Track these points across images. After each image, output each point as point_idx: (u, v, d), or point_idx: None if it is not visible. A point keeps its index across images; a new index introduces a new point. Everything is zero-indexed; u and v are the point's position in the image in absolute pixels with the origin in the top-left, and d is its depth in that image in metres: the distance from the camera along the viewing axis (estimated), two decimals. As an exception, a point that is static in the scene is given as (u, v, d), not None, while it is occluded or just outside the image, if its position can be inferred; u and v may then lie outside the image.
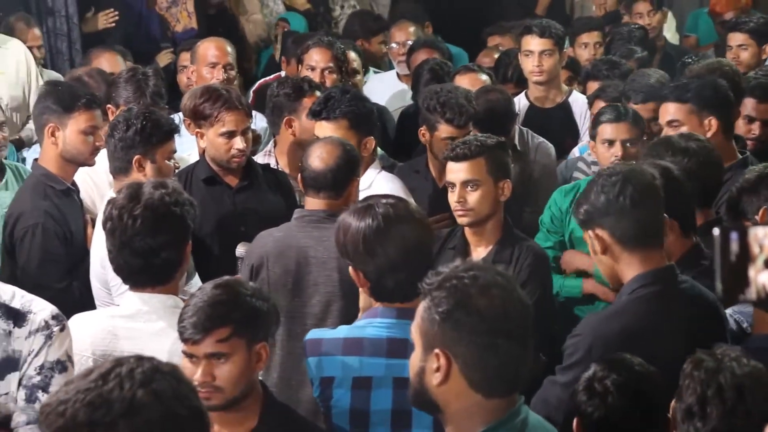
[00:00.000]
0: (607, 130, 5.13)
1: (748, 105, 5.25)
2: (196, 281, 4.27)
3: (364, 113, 4.89)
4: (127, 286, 3.66)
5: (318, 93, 5.30)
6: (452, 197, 4.46)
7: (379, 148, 5.31)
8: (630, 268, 3.39)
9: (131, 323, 3.54)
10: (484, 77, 6.10)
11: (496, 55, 7.28)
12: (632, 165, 3.63)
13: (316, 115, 4.89)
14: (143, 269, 3.54)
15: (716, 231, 3.63)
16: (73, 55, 7.74)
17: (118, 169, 4.57)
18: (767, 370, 2.91)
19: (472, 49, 8.00)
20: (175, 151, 4.67)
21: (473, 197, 4.42)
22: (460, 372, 2.51)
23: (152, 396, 2.04)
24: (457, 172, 4.44)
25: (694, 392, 2.88)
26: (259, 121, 5.93)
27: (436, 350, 2.52)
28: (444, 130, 5.25)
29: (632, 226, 3.37)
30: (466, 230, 4.52)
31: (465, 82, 5.95)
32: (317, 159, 4.25)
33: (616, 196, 3.37)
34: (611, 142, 5.11)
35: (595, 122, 5.23)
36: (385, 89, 7.19)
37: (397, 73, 7.59)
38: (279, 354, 4.13)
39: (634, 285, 3.38)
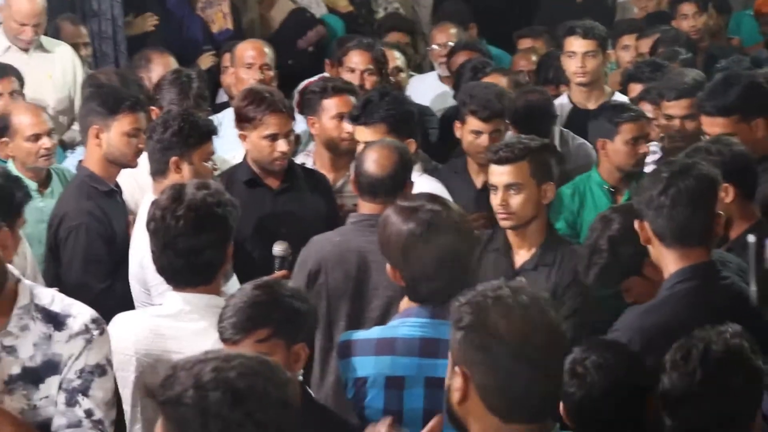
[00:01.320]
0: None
1: None
2: (234, 283, 4.30)
3: (403, 116, 4.89)
4: (166, 287, 3.69)
5: (347, 95, 5.32)
6: (495, 200, 4.42)
7: (420, 151, 5.32)
8: (670, 263, 3.40)
9: (174, 323, 3.57)
10: (507, 79, 6.09)
11: (534, 58, 7.26)
12: (689, 161, 3.61)
13: (354, 119, 4.89)
14: (186, 269, 3.57)
15: (751, 238, 3.64)
16: (118, 57, 7.79)
17: (157, 170, 4.61)
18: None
19: (514, 51, 7.98)
20: (213, 153, 4.70)
21: (516, 200, 4.37)
22: (477, 393, 2.39)
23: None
24: (499, 174, 4.40)
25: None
26: (300, 123, 5.96)
27: (456, 367, 2.42)
28: (470, 122, 5.26)
29: (668, 224, 3.39)
30: (508, 232, 4.48)
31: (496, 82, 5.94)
32: (373, 164, 4.25)
33: (658, 194, 3.39)
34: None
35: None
36: (427, 91, 7.17)
37: (438, 75, 7.59)
38: (335, 358, 4.14)
39: (673, 280, 3.39)
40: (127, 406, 3.62)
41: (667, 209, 3.38)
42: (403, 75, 6.77)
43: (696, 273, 3.39)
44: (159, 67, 6.37)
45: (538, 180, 4.38)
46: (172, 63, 6.49)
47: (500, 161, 4.40)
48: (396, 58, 6.71)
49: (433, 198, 3.63)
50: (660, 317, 3.35)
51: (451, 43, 7.56)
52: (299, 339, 3.23)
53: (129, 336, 3.57)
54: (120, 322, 3.63)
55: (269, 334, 3.18)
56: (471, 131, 5.27)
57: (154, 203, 3.66)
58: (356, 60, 6.24)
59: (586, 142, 5.90)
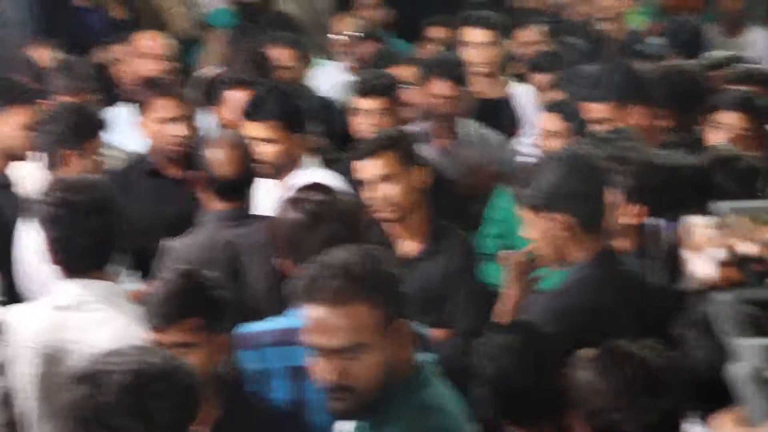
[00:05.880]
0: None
1: None
2: (130, 274, 4.26)
3: (292, 111, 4.86)
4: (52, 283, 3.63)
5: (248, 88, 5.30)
6: (367, 195, 4.40)
7: (323, 140, 5.30)
8: (581, 251, 3.44)
9: (74, 313, 3.52)
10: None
11: (439, 48, 7.26)
12: (576, 149, 3.67)
13: (247, 116, 4.85)
14: (92, 249, 3.54)
15: (649, 221, 3.70)
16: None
17: (48, 163, 4.54)
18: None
19: (414, 42, 7.97)
20: (102, 146, 4.67)
21: (392, 192, 4.36)
22: None
23: None
24: (367, 169, 4.39)
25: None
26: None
27: None
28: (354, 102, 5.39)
29: (594, 209, 3.45)
30: (390, 225, 4.46)
31: (404, 74, 5.93)
32: (223, 167, 4.26)
33: (580, 180, 3.43)
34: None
35: None
36: (331, 80, 7.15)
37: (342, 65, 7.56)
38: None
39: (582, 266, 3.44)
40: (29, 402, 3.54)
41: (593, 194, 3.45)
42: (293, 71, 6.69)
43: (602, 259, 3.45)
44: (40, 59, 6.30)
45: (407, 167, 4.39)
46: (52, 55, 6.41)
47: (364, 156, 4.40)
48: (287, 54, 6.65)
49: (320, 188, 3.66)
50: (571, 301, 3.39)
51: (352, 33, 7.54)
52: (224, 329, 3.25)
53: (28, 329, 3.51)
54: (19, 314, 3.57)
55: (197, 323, 3.19)
56: (354, 111, 5.36)
57: (49, 191, 3.62)
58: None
59: (494, 132, 5.91)
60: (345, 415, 2.75)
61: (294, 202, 3.55)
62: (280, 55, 6.38)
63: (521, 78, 6.62)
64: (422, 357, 2.81)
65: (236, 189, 4.30)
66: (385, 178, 4.37)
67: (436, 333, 3.97)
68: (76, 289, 3.55)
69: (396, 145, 4.41)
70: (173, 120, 4.98)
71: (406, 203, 4.39)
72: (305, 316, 2.70)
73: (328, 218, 3.45)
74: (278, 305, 3.74)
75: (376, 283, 2.68)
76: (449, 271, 4.36)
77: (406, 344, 2.73)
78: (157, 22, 8.14)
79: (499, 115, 6.37)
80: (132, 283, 4.28)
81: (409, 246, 4.45)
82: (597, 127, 4.79)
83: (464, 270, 4.41)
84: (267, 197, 4.77)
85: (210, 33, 8.12)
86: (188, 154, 4.91)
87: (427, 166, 4.54)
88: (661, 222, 3.70)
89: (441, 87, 5.65)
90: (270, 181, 4.81)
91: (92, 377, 2.32)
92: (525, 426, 3.16)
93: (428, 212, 4.48)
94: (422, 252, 4.43)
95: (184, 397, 2.39)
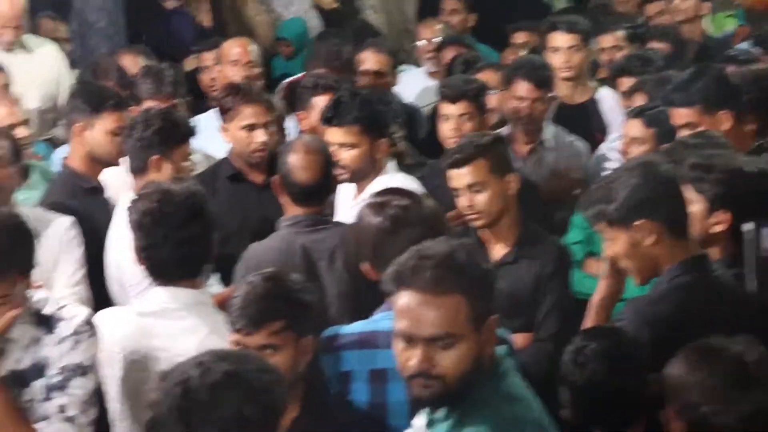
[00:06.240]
0: None
1: None
2: (215, 280, 4.30)
3: (375, 117, 4.85)
4: (144, 286, 3.69)
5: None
6: (461, 203, 4.42)
7: (408, 145, 5.30)
8: (670, 258, 3.39)
9: (160, 320, 3.55)
10: (499, 75, 6.07)
11: (524, 53, 7.24)
12: (647, 157, 3.63)
13: (327, 121, 4.85)
14: (177, 262, 3.55)
15: (747, 226, 3.63)
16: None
17: (136, 168, 4.60)
18: None
19: (500, 47, 7.96)
20: (191, 153, 4.71)
21: (481, 200, 4.37)
22: None
23: None
24: (458, 178, 4.40)
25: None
26: (288, 120, 5.95)
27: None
28: (440, 107, 5.34)
29: (675, 210, 3.40)
30: (481, 230, 4.46)
31: (488, 79, 5.92)
32: (303, 172, 4.31)
33: (655, 185, 3.39)
34: None
35: None
36: (414, 87, 7.16)
37: (426, 71, 7.56)
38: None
39: (673, 273, 3.38)
40: (113, 404, 3.60)
41: (677, 197, 3.41)
42: (388, 78, 6.74)
43: (694, 265, 3.40)
44: (129, 66, 6.42)
45: (498, 174, 4.37)
46: (141, 62, 6.51)
47: (456, 165, 4.40)
48: (379, 61, 6.68)
49: (403, 192, 3.66)
50: (667, 309, 3.33)
51: (437, 39, 7.55)
52: (308, 332, 3.27)
53: (115, 333, 3.54)
54: (106, 319, 3.61)
55: (282, 326, 3.21)
56: (442, 117, 5.31)
57: (142, 198, 3.65)
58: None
59: (578, 139, 5.88)
60: (427, 404, 2.76)
61: (377, 207, 3.55)
62: (376, 61, 6.43)
63: (606, 83, 6.57)
64: (499, 350, 2.83)
65: (314, 194, 4.32)
66: (476, 186, 4.37)
67: (517, 338, 3.96)
68: (163, 296, 3.58)
69: (488, 153, 4.39)
70: (258, 126, 5.03)
71: (497, 210, 4.39)
72: (398, 302, 2.70)
73: (411, 223, 3.45)
74: (351, 312, 3.78)
75: (474, 278, 2.70)
76: (540, 277, 4.35)
77: (492, 341, 2.75)
78: (242, 29, 8.23)
79: (585, 121, 6.33)
80: (215, 287, 4.33)
81: (499, 250, 4.44)
82: (683, 132, 4.73)
83: (555, 276, 4.37)
84: (348, 203, 4.82)
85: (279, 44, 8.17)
86: (271, 160, 4.95)
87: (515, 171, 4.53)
88: (764, 230, 3.64)
89: (525, 89, 5.63)
90: (351, 186, 4.84)
91: (181, 381, 2.34)
92: (610, 432, 3.15)
93: (518, 217, 4.47)
94: (512, 256, 4.41)
95: (271, 401, 2.40)
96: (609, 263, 3.57)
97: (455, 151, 4.48)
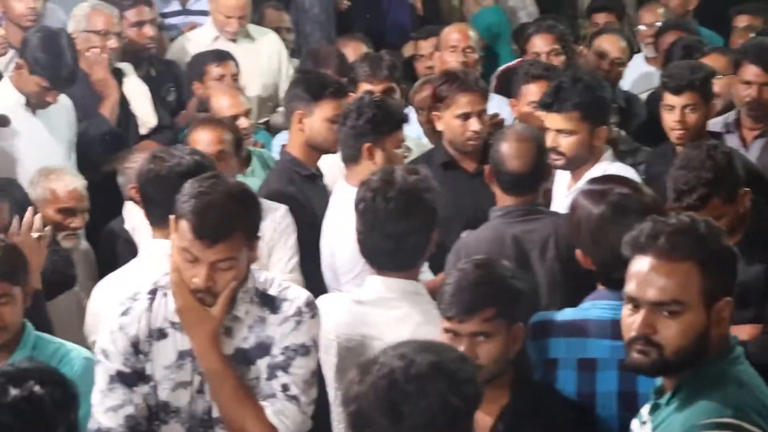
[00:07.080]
0: None
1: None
2: (425, 267, 4.31)
3: (596, 103, 4.76)
4: (356, 273, 3.76)
5: (545, 82, 5.25)
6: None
7: (622, 133, 5.19)
8: None
9: (375, 309, 3.59)
10: (726, 59, 5.88)
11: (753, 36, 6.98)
12: None
13: (546, 107, 4.78)
14: (392, 253, 3.58)
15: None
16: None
17: (349, 156, 4.64)
18: None
19: (724, 31, 7.69)
20: (404, 140, 4.73)
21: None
22: None
23: None
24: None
25: None
26: (504, 106, 5.92)
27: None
28: (664, 98, 5.18)
29: None
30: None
31: (714, 64, 5.73)
32: (515, 160, 4.25)
33: None
34: None
35: None
36: (632, 72, 7.01)
37: (645, 56, 7.40)
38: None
39: None
40: (329, 388, 3.68)
41: None
42: (621, 69, 6.61)
43: None
44: (350, 54, 6.49)
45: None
46: (363, 48, 6.58)
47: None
48: (618, 49, 6.57)
49: (622, 180, 3.59)
50: None
51: (659, 24, 7.36)
52: (519, 319, 3.26)
53: (331, 320, 3.60)
54: (324, 304, 3.65)
55: (494, 313, 3.20)
56: (665, 107, 5.17)
57: (365, 184, 3.68)
58: (539, 44, 6.32)
59: None
60: (643, 370, 2.73)
61: (597, 194, 3.48)
62: (617, 48, 6.39)
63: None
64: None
65: (525, 183, 4.27)
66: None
67: (746, 329, 3.83)
68: (379, 285, 3.62)
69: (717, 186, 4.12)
70: (472, 115, 5.02)
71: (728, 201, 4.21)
72: (632, 267, 2.70)
73: (632, 211, 3.37)
74: (560, 303, 3.72)
75: (712, 251, 2.69)
76: None
77: (725, 323, 2.71)
78: (454, 17, 8.22)
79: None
80: (426, 274, 4.34)
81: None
82: None
83: None
84: (563, 191, 4.75)
85: None
86: (484, 148, 4.94)
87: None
88: None
89: (752, 73, 5.41)
90: (566, 175, 4.78)
91: (386, 374, 2.36)
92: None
93: (748, 207, 4.31)
94: (742, 246, 4.24)
95: (474, 391, 2.42)
96: None
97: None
